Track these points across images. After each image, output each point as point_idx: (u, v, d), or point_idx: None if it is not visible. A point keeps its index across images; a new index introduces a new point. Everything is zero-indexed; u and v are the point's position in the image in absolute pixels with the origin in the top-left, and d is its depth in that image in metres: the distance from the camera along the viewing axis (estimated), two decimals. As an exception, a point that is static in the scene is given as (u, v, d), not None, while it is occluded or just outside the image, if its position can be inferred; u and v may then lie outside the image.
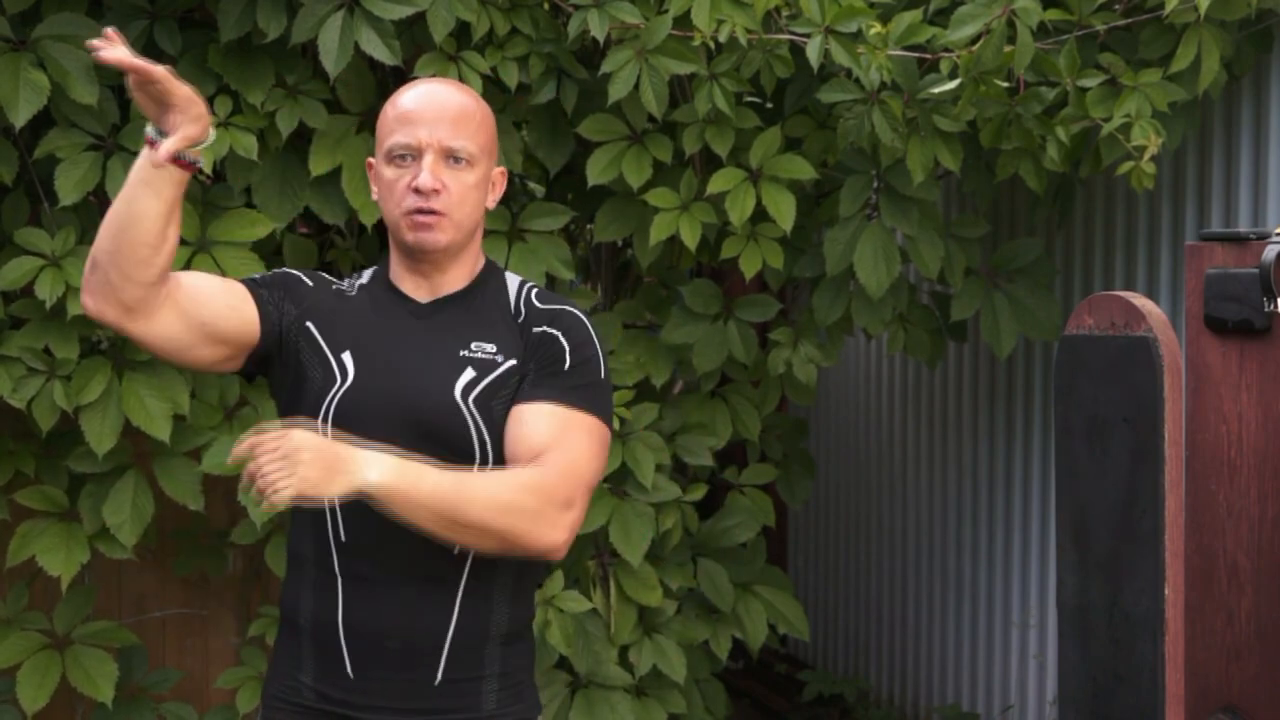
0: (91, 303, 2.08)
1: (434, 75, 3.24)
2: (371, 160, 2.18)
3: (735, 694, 5.37)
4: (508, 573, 2.15)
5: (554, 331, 2.15)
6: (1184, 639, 1.95)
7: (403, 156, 2.12)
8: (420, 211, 2.10)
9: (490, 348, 2.14)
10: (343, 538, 2.12)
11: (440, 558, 2.09)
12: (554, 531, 2.02)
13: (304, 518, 2.17)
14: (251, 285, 2.17)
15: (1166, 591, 1.91)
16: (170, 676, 3.84)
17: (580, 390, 2.11)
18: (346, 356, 2.14)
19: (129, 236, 2.02)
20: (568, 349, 2.14)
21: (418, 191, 2.10)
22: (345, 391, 2.11)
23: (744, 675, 5.75)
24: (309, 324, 2.17)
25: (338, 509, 2.11)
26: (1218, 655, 2.16)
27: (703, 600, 3.99)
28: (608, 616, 3.76)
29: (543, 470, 2.04)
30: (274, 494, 1.87)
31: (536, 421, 2.09)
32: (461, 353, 2.13)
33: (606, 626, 3.75)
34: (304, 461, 1.89)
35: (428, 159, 2.10)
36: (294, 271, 2.26)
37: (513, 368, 2.13)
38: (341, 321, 2.17)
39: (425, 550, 2.08)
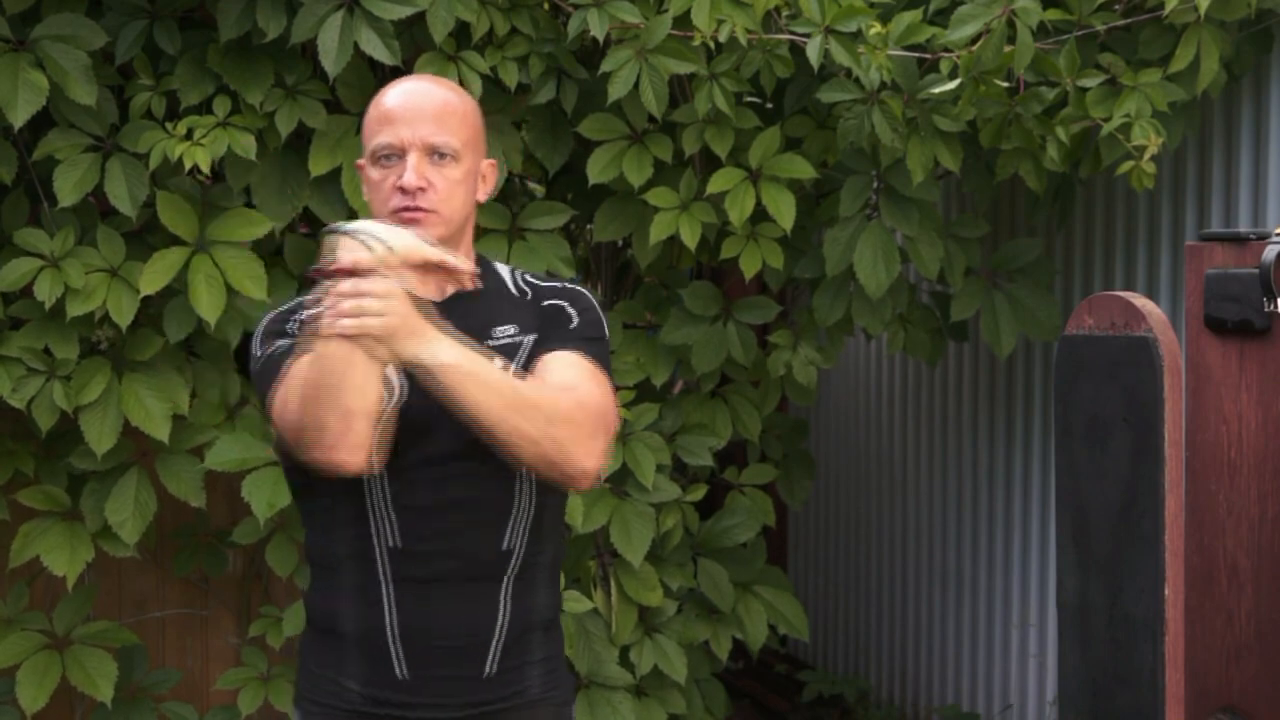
0: (370, 459, 1.97)
1: (428, 75, 3.25)
2: (361, 163, 2.18)
3: (735, 694, 5.37)
4: (547, 558, 2.18)
5: (561, 302, 2.19)
6: (1184, 639, 1.95)
7: (387, 157, 2.12)
8: (408, 210, 2.10)
9: (511, 329, 2.16)
10: (398, 543, 2.09)
11: (490, 555, 2.11)
12: (589, 458, 2.02)
13: (332, 522, 2.14)
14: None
15: (1166, 592, 1.91)
16: (170, 676, 3.84)
17: (590, 343, 2.15)
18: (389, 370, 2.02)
19: (375, 382, 1.94)
20: (574, 311, 2.18)
21: (403, 190, 2.10)
22: (399, 406, 2.04)
23: (744, 675, 5.74)
24: None
25: (394, 518, 2.09)
26: (1218, 656, 2.16)
27: (703, 600, 3.99)
28: (608, 616, 3.76)
29: (580, 397, 2.05)
30: (339, 324, 1.86)
31: (563, 368, 2.10)
32: (488, 343, 2.12)
33: (607, 626, 3.75)
34: (387, 311, 1.88)
35: (411, 158, 2.10)
36: (271, 330, 2.16)
37: (534, 342, 2.15)
38: None
39: (476, 549, 2.10)
